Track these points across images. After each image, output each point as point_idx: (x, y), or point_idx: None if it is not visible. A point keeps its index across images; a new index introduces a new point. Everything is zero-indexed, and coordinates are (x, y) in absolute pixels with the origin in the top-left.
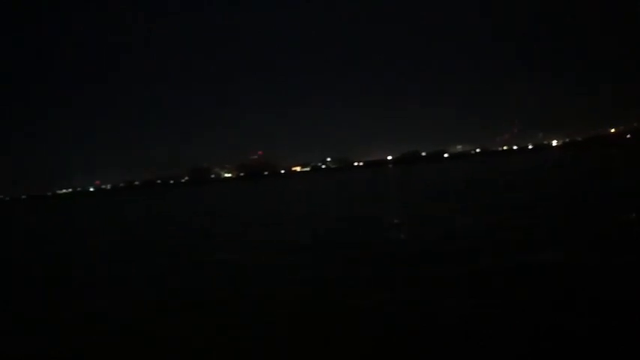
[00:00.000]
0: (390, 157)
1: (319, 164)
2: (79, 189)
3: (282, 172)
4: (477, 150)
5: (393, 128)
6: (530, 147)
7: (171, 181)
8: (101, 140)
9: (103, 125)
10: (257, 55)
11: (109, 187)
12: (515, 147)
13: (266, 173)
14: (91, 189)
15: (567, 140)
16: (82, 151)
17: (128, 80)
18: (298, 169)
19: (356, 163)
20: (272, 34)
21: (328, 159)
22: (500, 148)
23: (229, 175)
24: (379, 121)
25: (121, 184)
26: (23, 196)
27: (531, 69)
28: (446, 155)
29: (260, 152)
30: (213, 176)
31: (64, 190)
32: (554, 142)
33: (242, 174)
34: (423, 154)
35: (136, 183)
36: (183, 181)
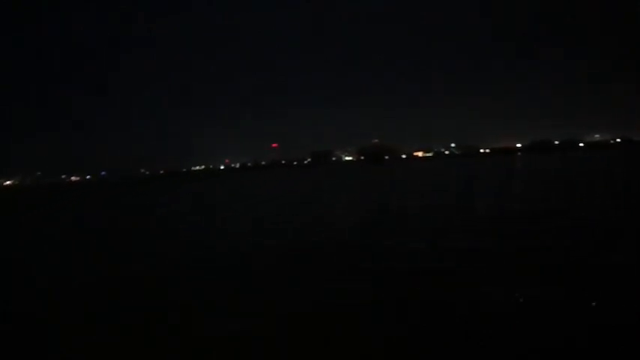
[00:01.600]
0: (519, 145)
1: (442, 150)
2: (210, 166)
3: (404, 157)
4: (617, 140)
5: (524, 115)
6: None
7: (295, 163)
8: (229, 123)
9: (232, 110)
10: (379, 44)
11: (237, 165)
12: None
13: (387, 157)
14: (222, 167)
15: None
16: (212, 131)
17: (251, 67)
18: (420, 154)
19: (482, 150)
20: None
21: (452, 145)
22: None
23: (350, 158)
24: (508, 108)
25: (249, 164)
26: (161, 172)
27: None
28: (581, 144)
29: (381, 137)
30: (334, 159)
31: (197, 167)
32: None
33: (362, 157)
34: (556, 142)
35: (263, 163)
36: (305, 162)
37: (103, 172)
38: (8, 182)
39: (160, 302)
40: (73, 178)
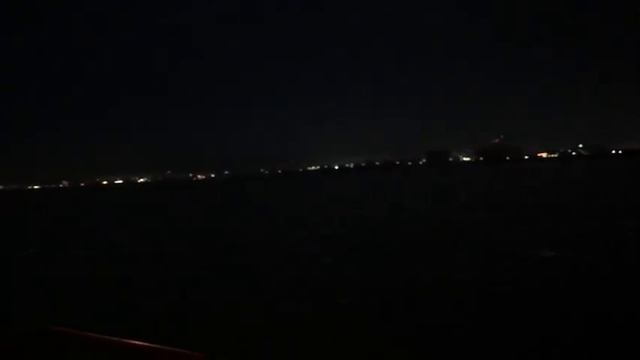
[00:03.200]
0: None
1: (569, 151)
2: (325, 166)
3: (526, 157)
4: None
5: None
6: None
7: (409, 163)
8: (343, 122)
9: (347, 110)
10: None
11: (351, 165)
12: None
13: (507, 158)
14: (336, 167)
15: None
16: (327, 131)
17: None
18: (544, 155)
19: (614, 151)
20: None
21: (580, 145)
22: None
23: (468, 158)
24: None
25: (362, 164)
26: (279, 171)
27: None
28: None
29: (501, 137)
30: (451, 159)
31: (313, 167)
32: None
33: (481, 158)
34: None
35: (377, 163)
36: (420, 163)
37: (227, 172)
38: (142, 180)
39: None
40: (199, 176)
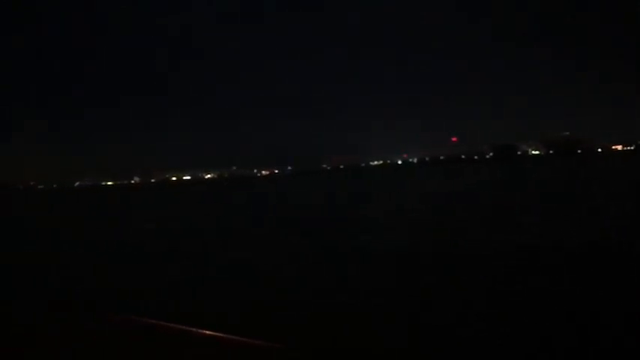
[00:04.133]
0: None
1: None
2: (388, 161)
3: (599, 150)
4: None
5: None
6: None
7: (476, 157)
8: (407, 115)
9: (410, 103)
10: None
11: (415, 160)
12: None
13: (579, 151)
14: (399, 161)
15: None
16: (390, 124)
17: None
18: (619, 147)
19: None
20: None
21: None
22: None
23: (537, 152)
24: None
25: (426, 158)
26: (341, 166)
27: None
28: None
29: (573, 130)
30: (519, 153)
31: (375, 162)
32: None
33: (551, 151)
34: None
35: (441, 157)
36: (487, 157)
37: (289, 167)
38: (208, 175)
39: None
40: (263, 172)
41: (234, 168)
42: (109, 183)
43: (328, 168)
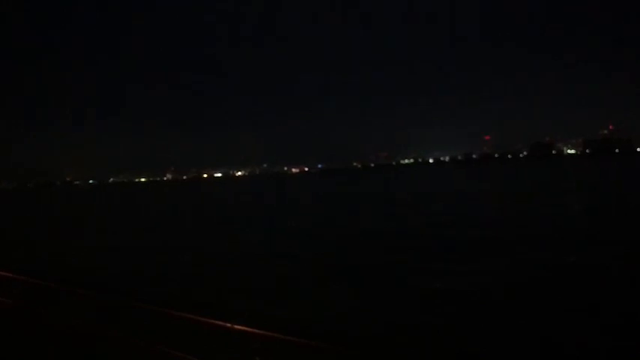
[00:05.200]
0: None
1: None
2: (420, 160)
3: (638, 149)
4: None
5: None
6: None
7: (509, 156)
8: (438, 113)
9: (442, 100)
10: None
11: (447, 159)
12: None
13: (617, 151)
14: (430, 160)
15: None
16: (422, 123)
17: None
18: None
19: None
20: None
21: None
22: None
23: (572, 151)
24: None
25: (459, 157)
26: (372, 165)
27: None
28: None
29: (611, 127)
30: (554, 152)
31: (407, 161)
32: None
33: (587, 150)
34: None
35: (474, 156)
36: (521, 155)
37: (320, 165)
38: (239, 173)
39: None
40: (293, 170)
41: (265, 165)
42: (142, 179)
43: (358, 166)
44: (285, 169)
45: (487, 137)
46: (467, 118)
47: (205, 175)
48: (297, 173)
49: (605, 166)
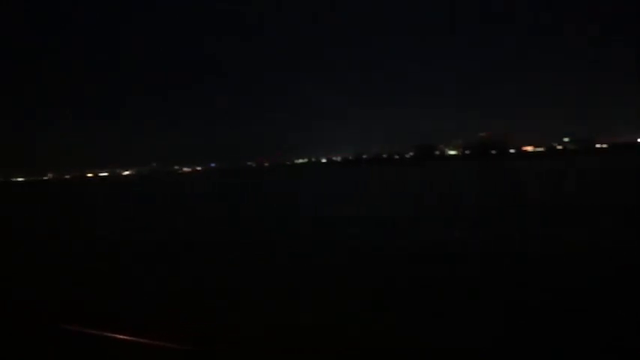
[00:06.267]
0: None
1: (555, 145)
2: (313, 159)
3: (512, 151)
4: None
5: None
6: None
7: (396, 156)
8: (335, 115)
9: (338, 101)
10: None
11: (339, 159)
12: None
13: (494, 152)
14: (324, 160)
15: None
16: (317, 123)
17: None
18: (530, 149)
19: (599, 145)
20: None
21: (565, 139)
22: None
23: (454, 152)
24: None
25: (350, 157)
26: (265, 164)
27: None
28: None
29: (489, 132)
30: (437, 153)
31: (300, 160)
32: None
33: (467, 152)
34: None
35: (364, 157)
36: (407, 156)
37: (213, 164)
38: (126, 172)
39: None
40: (184, 169)
41: (154, 165)
42: (20, 179)
43: (253, 165)
44: (177, 167)
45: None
46: (359, 119)
47: (90, 175)
48: (188, 173)
49: (472, 166)
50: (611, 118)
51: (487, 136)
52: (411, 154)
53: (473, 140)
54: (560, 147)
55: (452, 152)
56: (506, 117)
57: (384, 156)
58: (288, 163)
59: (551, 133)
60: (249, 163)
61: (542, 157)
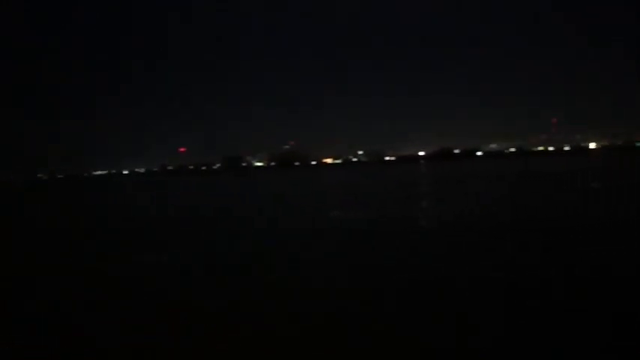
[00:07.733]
0: (422, 153)
1: (350, 157)
2: (113, 171)
3: (313, 163)
4: (512, 149)
5: (428, 123)
6: (567, 149)
7: (203, 168)
8: (136, 125)
9: (140, 111)
10: (282, 45)
11: (143, 170)
12: (551, 148)
13: (297, 164)
14: (126, 171)
15: (607, 143)
16: (115, 137)
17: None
18: (329, 160)
19: (388, 158)
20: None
21: (360, 152)
22: (537, 149)
23: (261, 163)
24: (414, 115)
25: (155, 169)
26: (60, 176)
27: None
28: (479, 153)
29: (292, 142)
30: (245, 164)
31: (99, 172)
32: (593, 145)
33: (273, 163)
34: (456, 151)
35: (169, 168)
36: (215, 167)
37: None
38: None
39: None
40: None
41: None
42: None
43: (45, 178)
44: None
45: (182, 149)
46: (163, 130)
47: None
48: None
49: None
50: (402, 135)
51: (291, 148)
52: (218, 165)
53: (277, 152)
54: (355, 159)
55: (258, 163)
56: (313, 130)
57: (191, 167)
58: (85, 174)
59: (352, 147)
60: (39, 175)
61: (338, 167)
